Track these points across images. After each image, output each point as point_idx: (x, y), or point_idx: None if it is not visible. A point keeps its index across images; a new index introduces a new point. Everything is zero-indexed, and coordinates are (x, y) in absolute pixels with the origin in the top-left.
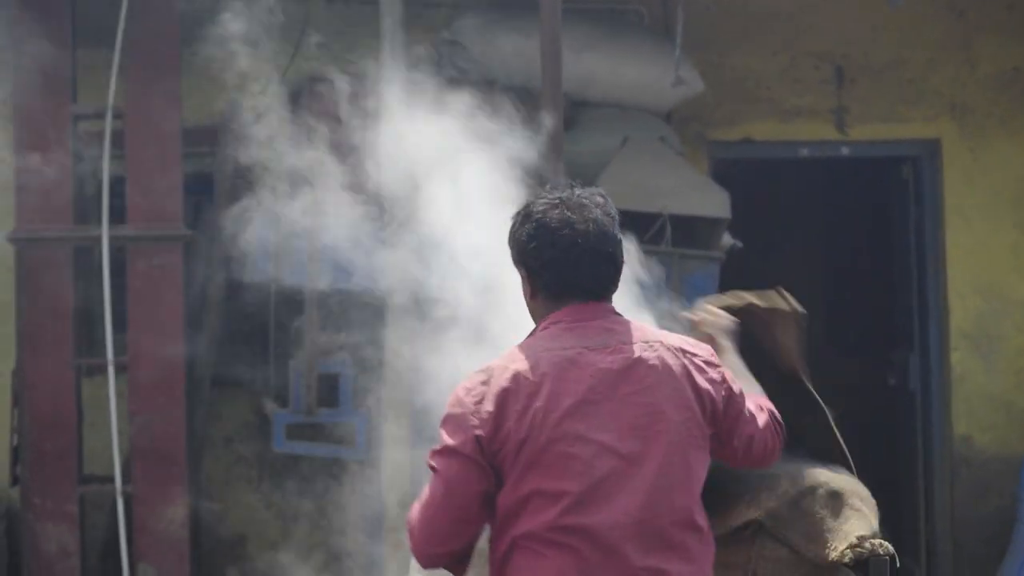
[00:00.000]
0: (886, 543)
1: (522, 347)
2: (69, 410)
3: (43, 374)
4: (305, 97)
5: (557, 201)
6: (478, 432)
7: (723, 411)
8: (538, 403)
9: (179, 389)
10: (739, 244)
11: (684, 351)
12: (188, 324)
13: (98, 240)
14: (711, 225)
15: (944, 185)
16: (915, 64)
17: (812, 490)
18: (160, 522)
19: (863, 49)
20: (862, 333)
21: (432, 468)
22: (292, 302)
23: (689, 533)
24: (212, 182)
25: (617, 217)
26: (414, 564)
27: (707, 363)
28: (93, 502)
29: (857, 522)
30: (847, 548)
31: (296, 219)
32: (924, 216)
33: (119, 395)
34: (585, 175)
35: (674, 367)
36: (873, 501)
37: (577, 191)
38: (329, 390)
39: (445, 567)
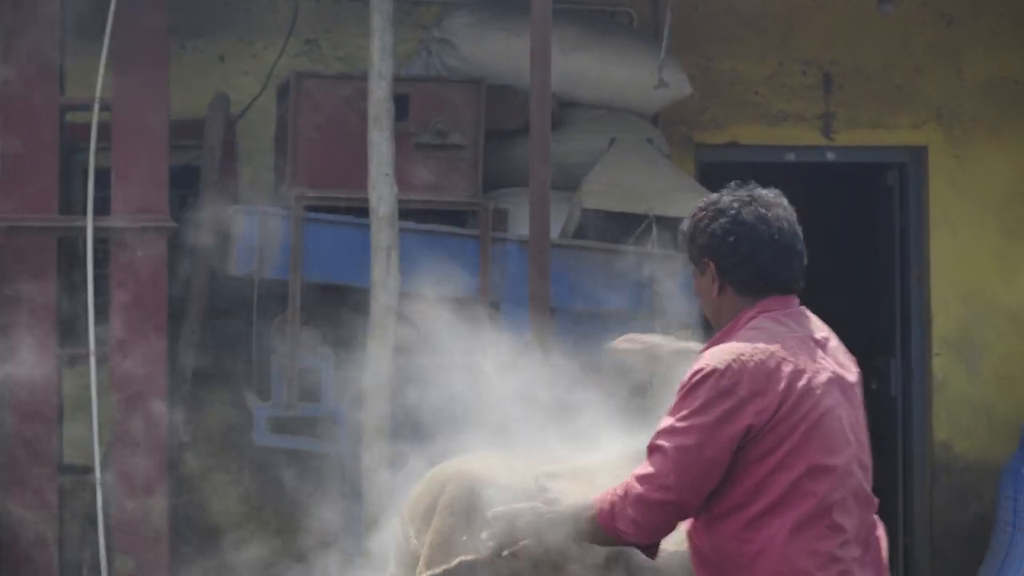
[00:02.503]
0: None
1: (758, 330)
2: (50, 400)
3: (25, 363)
4: (293, 93)
5: (748, 199)
6: (733, 414)
7: None
8: (799, 382)
9: (161, 381)
10: None
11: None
12: (171, 316)
13: (82, 230)
14: None
15: (930, 192)
16: (903, 71)
17: None
18: (139, 513)
19: (851, 55)
20: (845, 338)
21: (664, 448)
22: (275, 296)
23: None
24: (198, 175)
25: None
26: (394, 558)
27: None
28: (72, 492)
29: None
30: None
31: (279, 214)
32: (909, 223)
33: (100, 386)
34: (572, 174)
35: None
36: None
37: (760, 190)
38: (311, 384)
39: (661, 535)
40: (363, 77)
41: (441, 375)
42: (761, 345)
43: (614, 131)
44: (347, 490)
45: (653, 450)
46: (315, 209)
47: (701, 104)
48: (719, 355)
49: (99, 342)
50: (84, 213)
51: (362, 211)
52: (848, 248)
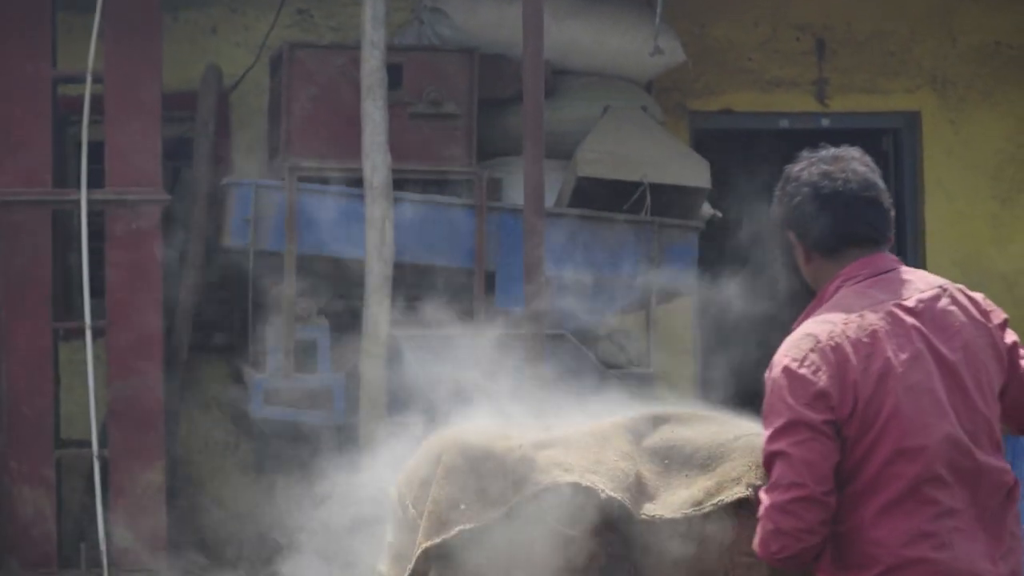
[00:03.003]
0: None
1: (835, 308)
2: (46, 374)
3: (21, 338)
4: (285, 64)
5: (813, 159)
6: (824, 402)
7: (1008, 359)
8: (877, 363)
9: (157, 353)
10: (718, 214)
11: (966, 295)
12: (166, 289)
13: (77, 204)
14: (691, 195)
15: (924, 157)
16: (896, 36)
17: None
18: (137, 486)
19: (845, 21)
20: None
21: (778, 453)
22: (271, 267)
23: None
24: (191, 147)
25: (877, 169)
26: (392, 527)
27: (989, 309)
28: (70, 466)
29: None
30: None
31: (273, 185)
32: (904, 188)
33: (97, 359)
34: (566, 143)
35: (972, 312)
36: None
37: (832, 149)
38: (307, 355)
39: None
40: (356, 47)
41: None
42: (837, 329)
43: (608, 99)
44: (344, 461)
45: (770, 459)
46: (309, 180)
47: (695, 71)
48: (794, 348)
49: (95, 315)
50: (78, 186)
51: (356, 181)
52: None
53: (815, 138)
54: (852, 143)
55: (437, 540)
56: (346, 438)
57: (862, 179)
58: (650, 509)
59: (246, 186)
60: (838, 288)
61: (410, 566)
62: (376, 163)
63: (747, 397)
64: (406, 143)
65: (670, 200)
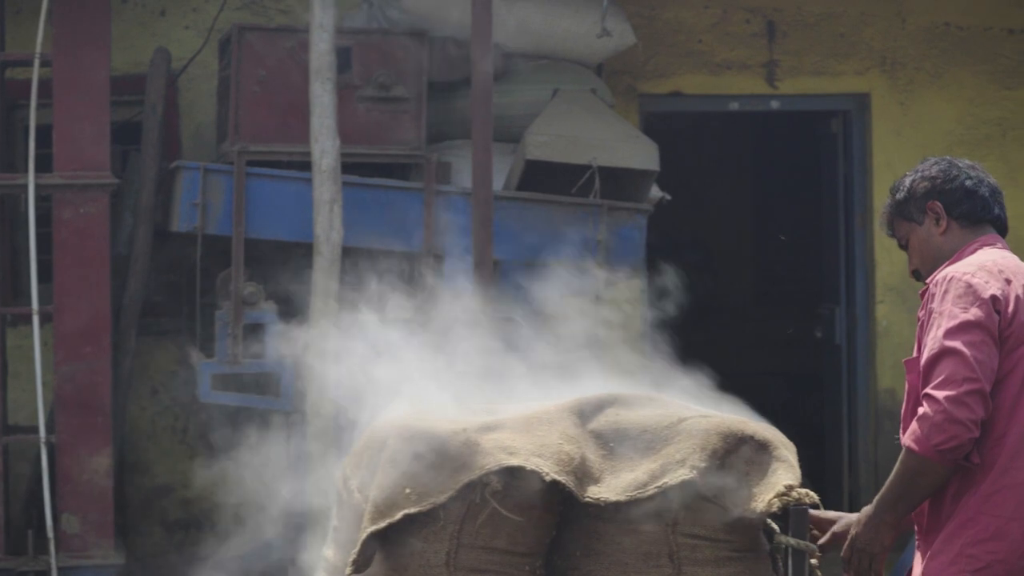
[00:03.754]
0: (811, 492)
1: (984, 254)
2: None
3: None
4: (234, 47)
5: (954, 161)
6: (994, 305)
7: None
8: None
9: (105, 339)
10: (667, 197)
11: None
12: (114, 274)
13: (24, 188)
14: (640, 177)
15: (873, 139)
16: (846, 18)
17: (739, 444)
18: (84, 472)
19: (794, 3)
20: (790, 286)
21: (952, 351)
22: (218, 251)
23: None
24: (140, 131)
25: None
26: (337, 512)
27: None
28: (17, 452)
29: (784, 472)
30: (775, 497)
31: (221, 169)
32: (853, 170)
33: (44, 345)
34: (515, 126)
35: None
36: (793, 447)
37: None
38: (255, 340)
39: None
40: (305, 30)
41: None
42: (999, 260)
43: (557, 82)
44: (293, 445)
45: (943, 354)
46: (258, 164)
47: (645, 53)
48: (964, 266)
49: (42, 301)
50: (26, 171)
51: (305, 165)
52: (792, 196)
53: (765, 120)
54: (802, 125)
55: (382, 524)
56: (295, 422)
57: (997, 184)
58: (595, 491)
59: (194, 170)
60: (976, 250)
61: (356, 550)
62: (324, 147)
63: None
64: (355, 126)
65: (619, 183)
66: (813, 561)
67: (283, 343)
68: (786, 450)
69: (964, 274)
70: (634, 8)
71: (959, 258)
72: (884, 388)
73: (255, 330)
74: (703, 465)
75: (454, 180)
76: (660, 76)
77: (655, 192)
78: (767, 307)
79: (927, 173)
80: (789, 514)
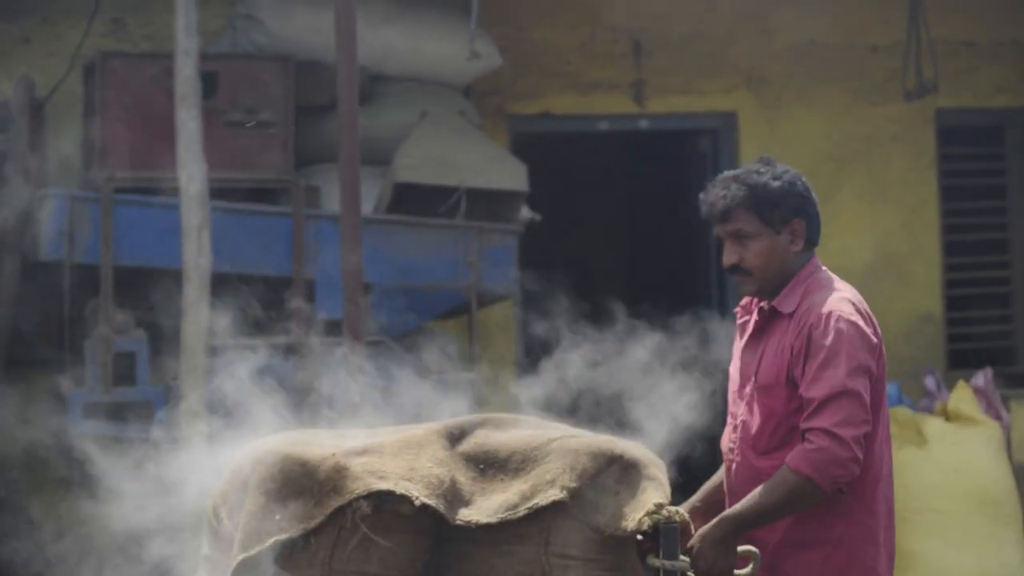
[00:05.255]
0: (681, 511)
1: (841, 284)
2: None
3: None
4: (99, 73)
5: (790, 170)
6: (874, 354)
7: None
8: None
9: None
10: (537, 217)
11: None
12: None
13: None
14: (509, 198)
15: (741, 157)
16: (712, 37)
17: (609, 464)
18: None
19: (661, 22)
20: (662, 304)
21: (853, 392)
22: (88, 280)
23: None
24: (4, 160)
25: None
26: (207, 540)
27: None
28: None
29: (653, 491)
30: (645, 516)
31: (88, 197)
32: None
33: None
34: (383, 149)
35: None
36: (662, 464)
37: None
38: (126, 368)
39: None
40: (170, 55)
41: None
42: (857, 296)
43: (425, 104)
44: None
45: (844, 395)
46: (125, 191)
47: (513, 75)
48: (840, 303)
49: None
50: None
51: (173, 191)
52: (665, 213)
53: (634, 140)
54: (670, 144)
55: (252, 552)
56: (166, 451)
57: None
58: (465, 514)
59: (60, 198)
60: (817, 270)
61: None
62: (192, 172)
63: (567, 399)
64: (222, 152)
65: (489, 204)
66: (690, 575)
67: (154, 371)
68: (655, 468)
69: (849, 316)
70: (502, 30)
71: (809, 279)
72: None
73: (126, 358)
74: (573, 485)
75: (323, 204)
76: (529, 97)
77: (525, 213)
78: (642, 324)
79: (795, 187)
80: (659, 532)
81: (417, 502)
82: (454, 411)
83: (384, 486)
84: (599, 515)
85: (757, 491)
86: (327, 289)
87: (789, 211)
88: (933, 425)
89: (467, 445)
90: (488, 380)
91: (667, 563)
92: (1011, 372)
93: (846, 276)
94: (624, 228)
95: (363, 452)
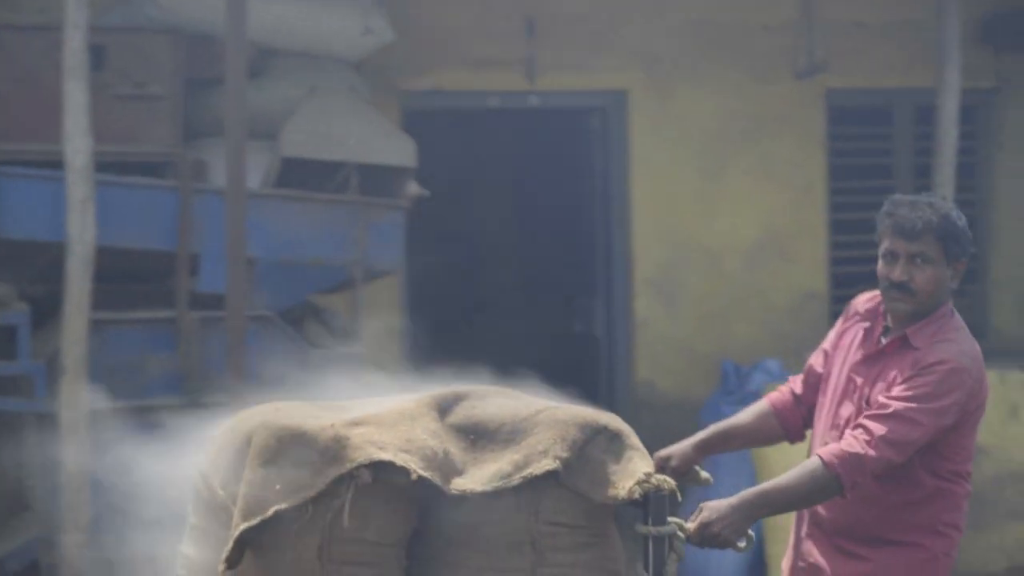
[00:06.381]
0: (670, 480)
1: (970, 338)
2: None
3: None
4: None
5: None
6: (973, 406)
7: None
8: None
9: None
10: (426, 193)
11: None
12: None
13: None
14: (397, 174)
15: (631, 135)
16: (604, 15)
17: (595, 434)
18: None
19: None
20: (552, 281)
21: (918, 424)
22: None
23: None
24: None
25: None
26: (195, 511)
27: None
28: None
29: (640, 460)
30: (635, 485)
31: None
32: (611, 166)
33: None
34: (272, 124)
35: None
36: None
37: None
38: (7, 342)
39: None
40: (60, 28)
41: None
42: (980, 355)
43: (315, 79)
44: (46, 451)
45: (911, 421)
46: (11, 163)
47: (405, 50)
48: (968, 360)
49: None
50: None
51: (60, 164)
52: (554, 192)
53: (524, 117)
54: (561, 121)
55: (255, 521)
56: (47, 424)
57: None
58: (461, 483)
59: None
60: (952, 313)
61: (228, 548)
62: (77, 145)
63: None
64: (110, 125)
65: (378, 180)
66: (680, 534)
67: (36, 345)
68: (636, 438)
69: (966, 367)
70: (395, 4)
71: (943, 319)
72: (642, 380)
73: (7, 332)
74: (565, 455)
75: (211, 178)
76: (420, 73)
77: (414, 188)
78: (530, 301)
79: (969, 232)
80: (649, 500)
81: (414, 475)
82: (337, 387)
83: (385, 456)
84: (589, 484)
85: (785, 475)
86: (212, 263)
87: (964, 250)
88: None
89: (455, 417)
90: (375, 354)
91: (655, 529)
92: None
93: (733, 253)
94: (514, 205)
95: (360, 423)
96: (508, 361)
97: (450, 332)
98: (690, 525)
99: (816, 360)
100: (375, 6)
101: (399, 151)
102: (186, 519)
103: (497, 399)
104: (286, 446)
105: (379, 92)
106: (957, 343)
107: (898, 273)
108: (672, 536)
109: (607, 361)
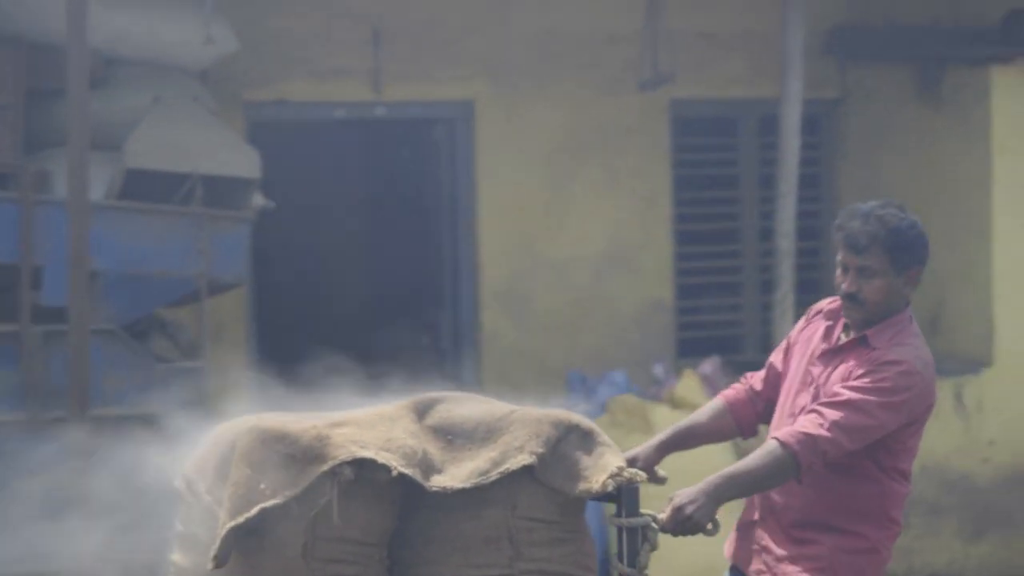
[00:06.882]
0: (641, 473)
1: (924, 343)
2: None
3: None
4: None
5: (901, 207)
6: (921, 409)
7: None
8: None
9: None
10: (272, 204)
11: None
12: None
13: None
14: (242, 186)
15: (477, 146)
16: (451, 25)
17: (568, 432)
18: None
19: (400, 10)
20: (398, 293)
21: (872, 416)
22: None
23: None
24: None
25: None
26: (182, 516)
27: None
28: None
29: (611, 455)
30: (608, 478)
31: None
32: (458, 177)
33: None
34: (116, 134)
35: None
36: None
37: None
38: None
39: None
40: None
41: None
42: (932, 362)
43: (159, 89)
44: None
45: (865, 412)
46: None
47: (250, 61)
48: (921, 364)
49: None
50: None
51: None
52: (402, 203)
53: (371, 128)
54: (407, 132)
55: (241, 520)
56: None
57: None
58: (439, 481)
59: None
60: (911, 320)
61: (216, 546)
62: None
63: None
64: None
65: (223, 191)
66: (654, 524)
67: None
68: (605, 435)
69: (920, 370)
70: (238, 14)
71: (902, 324)
72: (489, 392)
73: None
74: (540, 450)
75: (54, 189)
76: (266, 84)
77: (259, 200)
78: (378, 314)
79: (923, 240)
80: (622, 493)
81: (395, 472)
82: (181, 400)
83: (366, 454)
84: (563, 479)
85: (746, 459)
86: (55, 276)
87: (914, 259)
88: (659, 413)
89: (432, 419)
90: (220, 368)
91: (629, 520)
92: (739, 360)
93: (580, 264)
94: (363, 217)
95: (341, 424)
96: (358, 374)
97: (298, 347)
98: (662, 515)
99: (776, 357)
100: (218, 16)
101: (244, 162)
102: (174, 528)
103: (471, 403)
104: (270, 447)
105: (224, 103)
106: (914, 348)
107: (847, 285)
108: (646, 527)
109: (454, 374)
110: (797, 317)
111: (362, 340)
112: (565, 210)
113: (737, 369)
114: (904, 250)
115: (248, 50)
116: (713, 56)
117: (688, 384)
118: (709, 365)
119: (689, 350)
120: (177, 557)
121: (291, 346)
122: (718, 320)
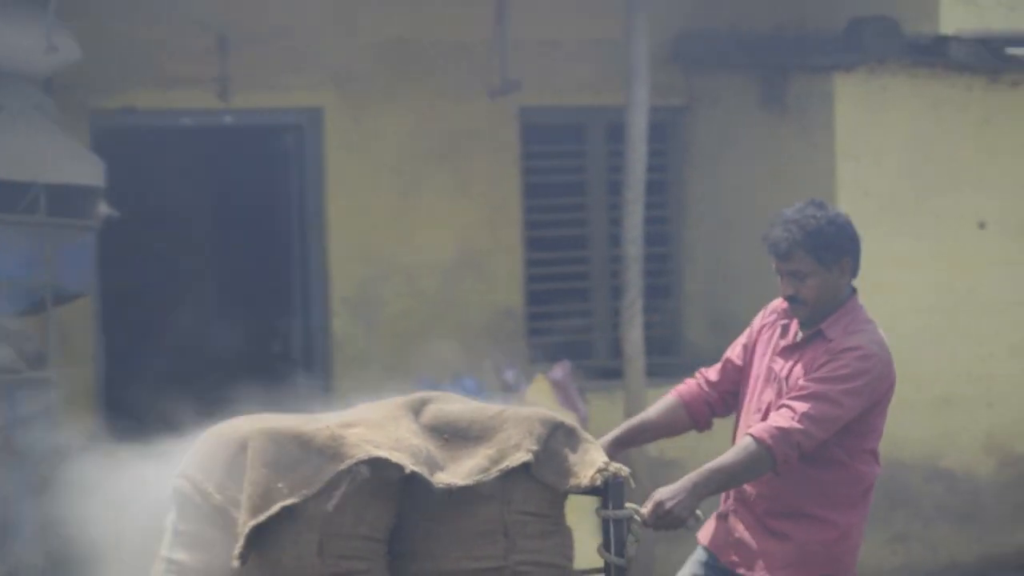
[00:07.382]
0: (625, 468)
1: (877, 326)
2: None
3: None
4: None
5: (832, 207)
6: (883, 390)
7: None
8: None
9: None
10: (116, 214)
11: None
12: None
13: None
14: (87, 194)
15: (326, 154)
16: (299, 32)
17: (555, 429)
18: None
19: (247, 17)
20: (248, 302)
21: (839, 405)
22: None
23: None
24: None
25: None
26: (185, 517)
27: None
28: None
29: (595, 451)
30: (596, 473)
31: None
32: (306, 185)
33: None
34: None
35: None
36: None
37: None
38: None
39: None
40: None
41: None
42: (886, 343)
43: (0, 98)
44: None
45: (833, 402)
46: None
47: (96, 69)
48: (876, 347)
49: None
50: None
51: None
52: (251, 211)
53: (217, 136)
54: (255, 140)
55: (262, 518)
56: None
57: None
58: (442, 478)
59: None
60: (859, 306)
61: (240, 544)
62: None
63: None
64: None
65: (67, 200)
66: (637, 517)
67: None
68: (586, 432)
69: (877, 352)
70: (82, 22)
71: (853, 312)
72: (340, 399)
73: None
74: (536, 448)
75: None
76: (112, 92)
77: (103, 209)
78: (228, 323)
79: (845, 230)
80: (608, 486)
81: (407, 470)
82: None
83: (381, 454)
84: (554, 474)
85: (724, 455)
86: None
87: (840, 251)
88: None
89: (426, 418)
90: (66, 379)
91: (614, 512)
92: (589, 365)
93: (430, 271)
94: (212, 226)
95: (352, 424)
96: (207, 385)
97: (146, 355)
98: (644, 509)
99: (734, 353)
100: (61, 24)
101: (88, 171)
102: (172, 526)
103: (457, 402)
104: (284, 446)
105: (70, 111)
106: (867, 333)
107: (784, 288)
108: (630, 519)
109: (305, 382)
110: (645, 322)
111: (211, 349)
112: (415, 217)
113: (587, 374)
114: (827, 248)
115: (94, 58)
116: (560, 63)
117: (539, 389)
118: (559, 370)
119: (540, 355)
120: (180, 555)
121: (139, 355)
122: (568, 325)
